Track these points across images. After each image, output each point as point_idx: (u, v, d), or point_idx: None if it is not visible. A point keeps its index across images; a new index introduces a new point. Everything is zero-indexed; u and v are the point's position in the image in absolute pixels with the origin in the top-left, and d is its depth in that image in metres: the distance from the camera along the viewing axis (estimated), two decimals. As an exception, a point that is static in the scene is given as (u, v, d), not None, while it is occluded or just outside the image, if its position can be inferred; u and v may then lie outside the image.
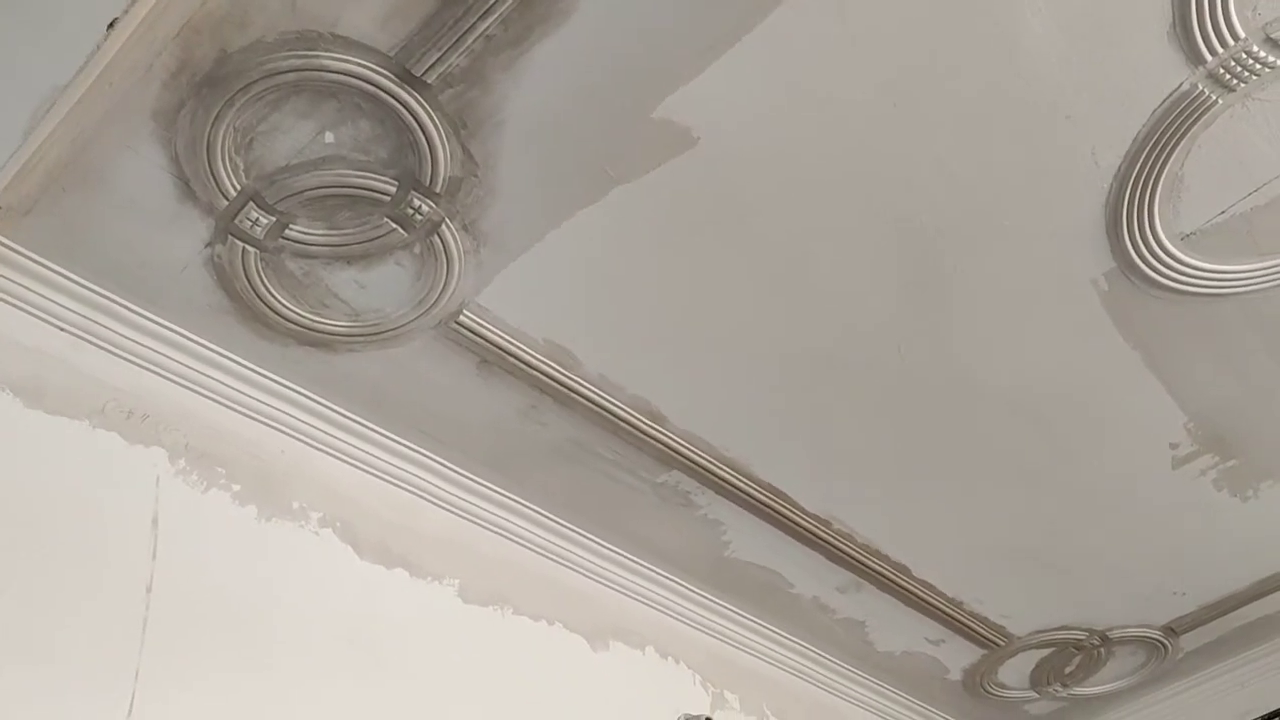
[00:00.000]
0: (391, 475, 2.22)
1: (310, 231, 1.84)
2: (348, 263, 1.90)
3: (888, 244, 1.99)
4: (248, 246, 1.85)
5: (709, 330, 2.10)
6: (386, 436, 2.20)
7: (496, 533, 2.37)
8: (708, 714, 2.56)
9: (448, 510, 2.30)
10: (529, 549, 2.41)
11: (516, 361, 2.08)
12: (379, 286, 1.94)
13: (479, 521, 2.35)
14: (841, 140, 1.82)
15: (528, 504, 2.40)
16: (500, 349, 2.06)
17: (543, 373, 2.11)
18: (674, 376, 2.19)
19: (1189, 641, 3.27)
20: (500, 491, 2.36)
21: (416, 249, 1.89)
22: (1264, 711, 3.31)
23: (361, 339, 2.02)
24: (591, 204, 1.86)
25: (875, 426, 2.37)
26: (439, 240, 1.87)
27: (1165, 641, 3.24)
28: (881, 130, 1.81)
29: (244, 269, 1.88)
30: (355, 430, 2.16)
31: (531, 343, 2.07)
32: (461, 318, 2.01)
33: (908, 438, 2.42)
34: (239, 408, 2.03)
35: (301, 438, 2.11)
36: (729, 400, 2.26)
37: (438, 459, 2.28)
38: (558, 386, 2.14)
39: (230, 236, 1.82)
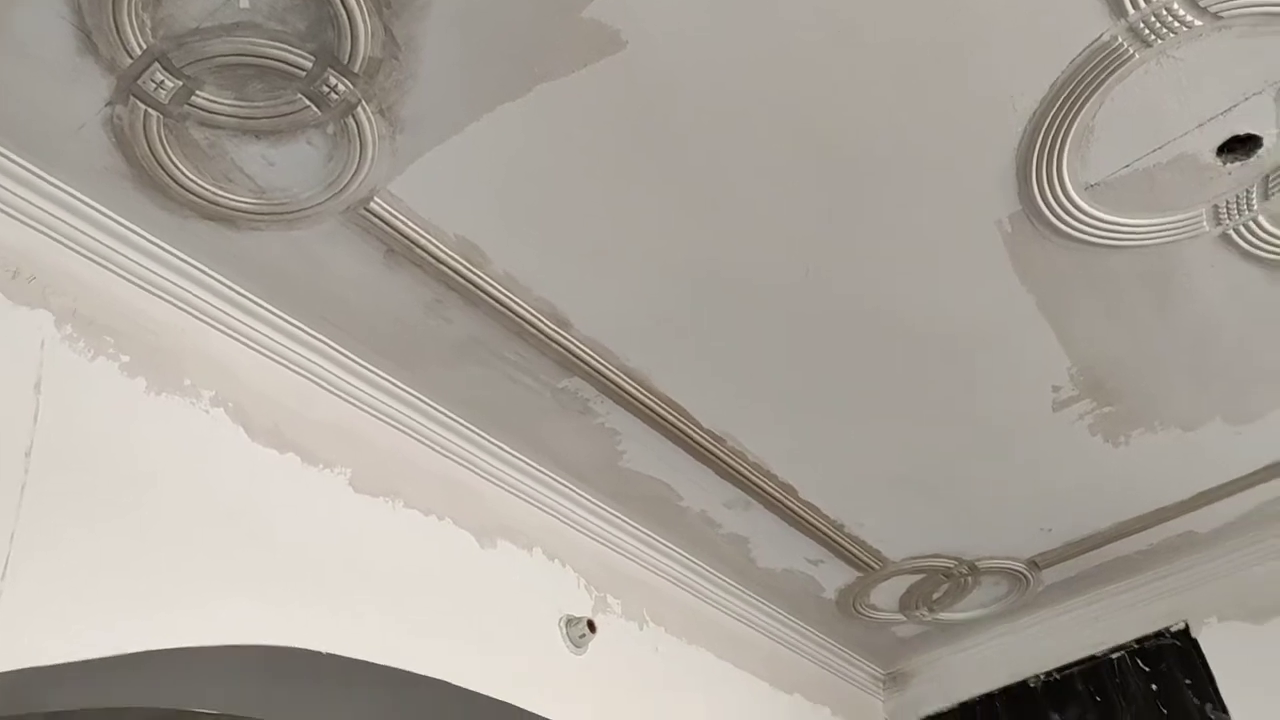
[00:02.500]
0: (288, 360, 2.19)
1: (218, 100, 1.78)
2: (256, 137, 1.84)
3: (809, 169, 2.01)
4: (150, 110, 1.77)
5: (622, 240, 2.11)
6: (286, 320, 2.16)
7: (392, 425, 2.36)
8: (589, 616, 2.62)
9: (344, 399, 2.28)
10: (424, 444, 2.41)
11: (424, 254, 2.06)
12: (288, 165, 1.89)
13: (375, 413, 2.34)
14: (772, 61, 1.82)
15: (425, 399, 2.39)
16: (409, 240, 2.03)
17: (450, 268, 2.09)
18: (583, 283, 2.19)
19: (1050, 575, 3.46)
20: (398, 385, 2.35)
21: (330, 129, 1.84)
22: (1113, 644, 3.53)
23: (266, 217, 1.97)
24: (513, 99, 1.83)
25: (777, 349, 2.42)
26: (354, 122, 1.83)
27: (1028, 574, 3.41)
28: (814, 55, 1.81)
29: (145, 133, 1.81)
30: (253, 311, 2.12)
31: (441, 236, 2.05)
32: (372, 205, 1.97)
33: (807, 362, 2.47)
34: (132, 277, 1.97)
35: (197, 314, 2.06)
36: (636, 311, 2.27)
37: (337, 347, 2.26)
38: (464, 283, 2.12)
39: (132, 98, 1.75)
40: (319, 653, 1.96)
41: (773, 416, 2.62)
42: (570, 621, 2.58)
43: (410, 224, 2.01)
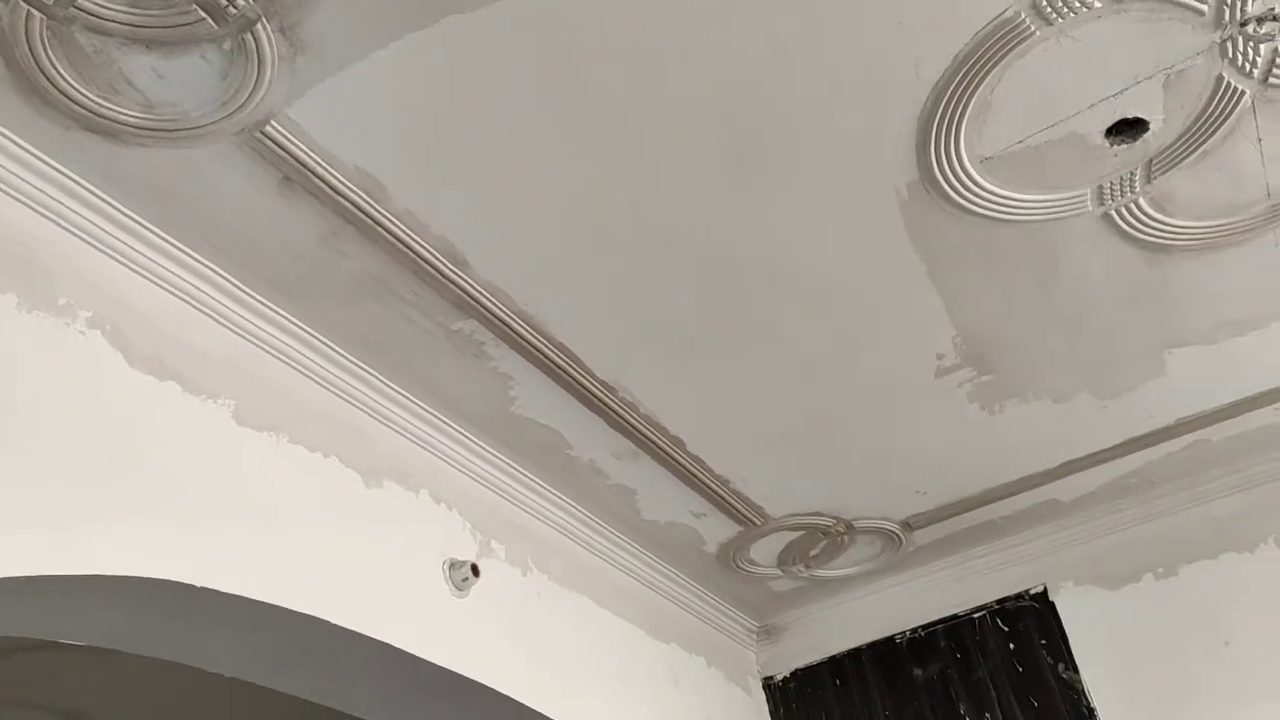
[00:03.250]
0: (173, 285, 2.11)
1: (108, 6, 1.68)
2: (147, 47, 1.75)
3: (715, 120, 2.01)
4: (33, 10, 1.67)
5: (525, 182, 2.08)
6: (172, 243, 2.08)
7: (280, 359, 2.30)
8: (473, 560, 2.61)
9: (230, 329, 2.21)
10: (312, 379, 2.36)
11: (321, 184, 2.00)
12: (180, 79, 1.80)
13: (262, 345, 2.27)
14: (683, 10, 1.81)
15: (316, 334, 2.34)
16: (306, 168, 1.97)
17: (348, 200, 2.04)
18: (484, 224, 2.16)
19: (921, 537, 3.59)
20: (288, 317, 2.29)
21: (226, 45, 1.76)
22: (975, 605, 3.69)
23: (154, 133, 1.89)
24: (422, 29, 1.79)
25: (675, 302, 2.44)
26: (252, 39, 1.76)
27: (901, 535, 3.53)
28: (725, 4, 1.81)
29: (26, 34, 1.71)
30: (137, 232, 2.03)
31: (340, 166, 1.99)
32: (268, 128, 1.91)
33: (704, 317, 2.49)
34: (5, 186, 1.86)
35: (76, 231, 1.96)
36: (536, 256, 2.25)
37: (225, 274, 2.18)
38: (362, 216, 2.07)
39: (13, -5, 1.65)
40: (194, 586, 1.91)
41: (666, 370, 2.64)
42: (453, 565, 2.57)
43: (308, 151, 1.95)
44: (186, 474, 1.99)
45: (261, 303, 2.24)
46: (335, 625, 2.19)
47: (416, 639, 2.36)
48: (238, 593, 1.97)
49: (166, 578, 1.86)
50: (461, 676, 2.46)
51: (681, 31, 1.85)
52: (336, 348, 2.38)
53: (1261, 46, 2.01)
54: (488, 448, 2.79)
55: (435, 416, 2.63)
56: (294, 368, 2.32)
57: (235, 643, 2.16)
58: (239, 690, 2.49)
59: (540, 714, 2.65)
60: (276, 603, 2.06)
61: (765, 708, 3.91)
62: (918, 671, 3.71)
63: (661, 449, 2.90)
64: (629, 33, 1.84)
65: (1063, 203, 2.31)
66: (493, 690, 2.52)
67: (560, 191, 2.10)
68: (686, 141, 2.05)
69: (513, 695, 2.57)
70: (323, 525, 2.26)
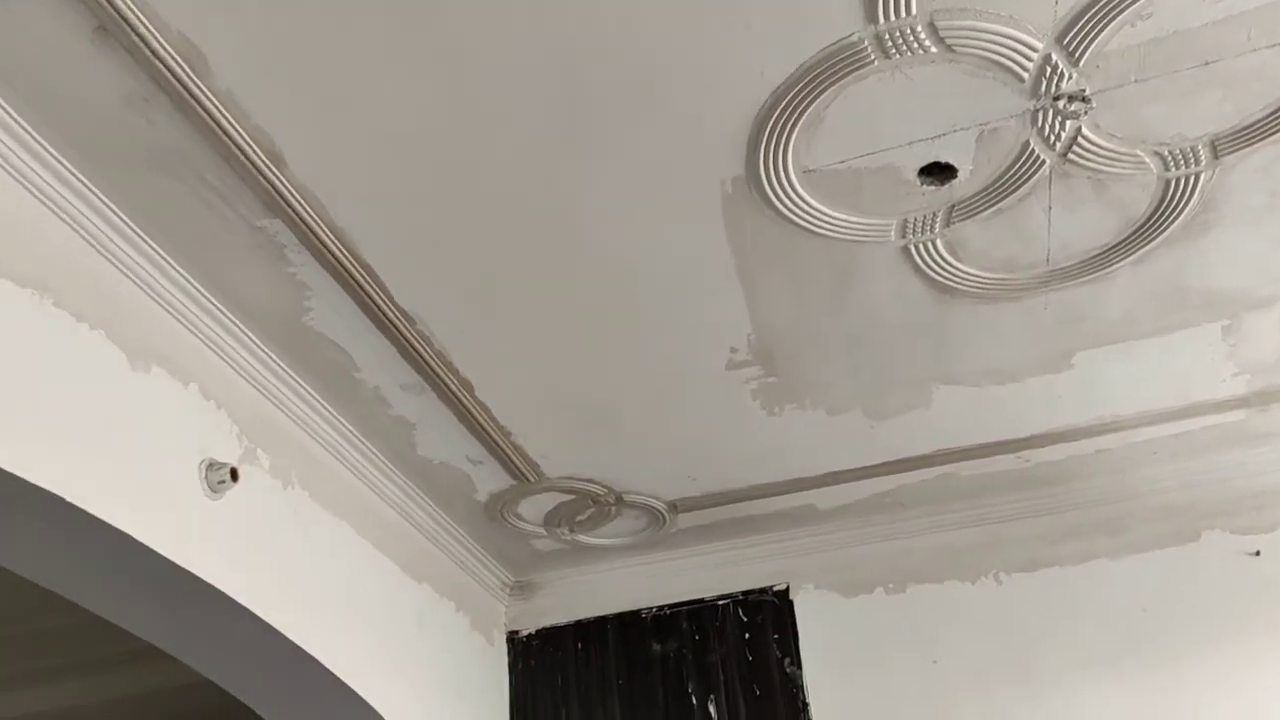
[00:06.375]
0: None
1: None
2: None
3: (554, 84, 2.02)
4: None
5: (356, 93, 2.02)
6: (-40, 71, 1.92)
7: (60, 217, 2.15)
8: (234, 464, 2.53)
9: (12, 176, 2.06)
10: (91, 245, 2.22)
11: (140, 42, 1.88)
12: (1, -103, 1.67)
13: (44, 199, 2.12)
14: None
15: (104, 199, 2.20)
16: (125, 20, 1.84)
17: (166, 65, 1.93)
18: (310, 126, 2.09)
19: (684, 520, 3.71)
20: (79, 177, 2.14)
21: (60, -128, 1.64)
22: (721, 592, 3.85)
23: (-39, -50, 1.74)
24: (278, -92, 1.72)
25: (485, 248, 2.43)
26: (91, -126, 1.64)
27: (666, 514, 3.64)
28: (590, -39, 1.82)
29: None
30: (-78, 49, 1.87)
31: (163, 29, 1.88)
32: (90, -31, 1.79)
33: (512, 268, 2.50)
34: None
35: None
36: (358, 172, 2.20)
37: (19, 120, 2.02)
38: (179, 87, 1.96)
39: None
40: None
41: (467, 312, 2.64)
42: (212, 465, 2.49)
43: (130, 3, 1.83)
44: (-69, 317, 1.85)
45: (52, 155, 2.09)
46: (74, 506, 2.09)
47: (160, 534, 2.28)
48: (-32, 454, 1.86)
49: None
50: (201, 580, 2.39)
51: (542, -21, 1.84)
52: (125, 218, 2.25)
53: (1068, 123, 2.18)
54: (271, 354, 2.71)
55: (221, 311, 2.53)
56: (75, 229, 2.18)
57: (-45, 505, 2.03)
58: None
59: (278, 632, 2.61)
60: (13, 471, 1.95)
61: (505, 660, 3.97)
62: (656, 646, 3.84)
63: (449, 389, 2.89)
64: (491, -34, 1.82)
65: (869, 228, 2.43)
66: (232, 600, 2.46)
67: (390, 110, 2.06)
68: (527, 102, 2.04)
69: (251, 608, 2.52)
70: (77, 401, 2.14)
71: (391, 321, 2.61)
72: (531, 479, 3.40)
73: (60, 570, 2.37)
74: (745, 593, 3.83)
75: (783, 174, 2.27)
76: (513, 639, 4.02)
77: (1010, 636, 3.53)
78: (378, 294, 2.52)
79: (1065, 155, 2.26)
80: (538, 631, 4.00)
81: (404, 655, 3.28)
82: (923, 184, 2.31)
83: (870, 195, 2.34)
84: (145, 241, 2.32)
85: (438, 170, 2.21)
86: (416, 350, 2.73)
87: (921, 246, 2.50)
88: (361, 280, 2.47)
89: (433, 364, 2.79)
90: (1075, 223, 2.46)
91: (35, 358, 2.06)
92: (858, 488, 3.57)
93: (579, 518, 3.67)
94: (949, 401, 3.11)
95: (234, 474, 2.50)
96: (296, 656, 2.72)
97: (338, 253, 2.39)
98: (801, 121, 2.14)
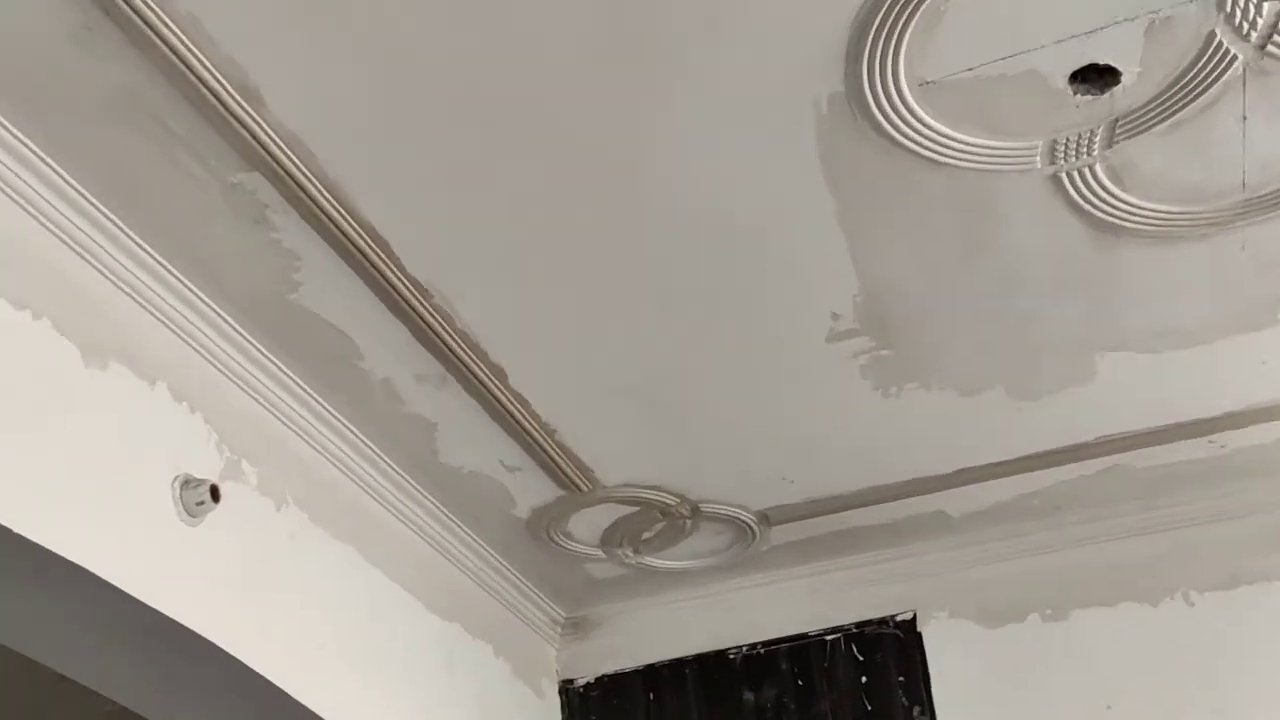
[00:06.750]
0: None
1: None
2: None
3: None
4: None
5: (356, 19, 2.02)
6: None
7: (-9, 183, 2.21)
8: (214, 481, 2.58)
9: (-74, 133, 2.12)
10: (31, 215, 2.26)
11: (80, -41, 1.92)
12: None
13: (-31, 161, 2.18)
14: None
15: (44, 156, 2.23)
16: (61, -66, 1.88)
17: (114, -14, 1.96)
18: (293, 55, 2.10)
19: (780, 534, 3.72)
20: (12, 130, 2.18)
21: None
22: (829, 625, 3.85)
23: None
24: None
25: (518, 200, 2.44)
26: None
27: (756, 528, 3.65)
28: None
29: None
30: None
31: (107, -64, 1.91)
32: None
33: (553, 221, 2.51)
34: None
35: None
36: (355, 109, 2.21)
37: (-72, 59, 2.07)
38: (127, 10, 1.98)
39: None
40: None
41: (498, 279, 2.66)
42: (188, 483, 2.54)
43: (65, -94, 1.87)
44: None
45: (-20, 106, 2.15)
46: (19, 537, 2.14)
47: (125, 570, 2.33)
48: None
49: None
50: (179, 625, 2.44)
51: None
52: (71, 179, 2.29)
53: (1265, 6, 2.13)
54: (255, 342, 2.75)
55: (191, 291, 2.57)
56: (10, 197, 2.22)
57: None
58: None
59: (273, 685, 2.66)
60: (-57, 496, 2.01)
61: (557, 716, 4.01)
62: (749, 695, 3.86)
63: (476, 378, 2.91)
64: None
65: (1007, 153, 2.40)
66: (216, 647, 2.51)
67: (393, 22, 2.05)
68: (572, 19, 2.04)
69: (240, 657, 2.57)
70: (19, 406, 2.20)
71: (402, 295, 2.63)
72: (584, 488, 3.41)
73: (5, 618, 2.43)
74: (860, 624, 3.82)
75: (893, 88, 2.24)
76: (567, 690, 4.05)
77: (1205, 673, 3.48)
78: (384, 261, 2.54)
79: (1264, 47, 2.21)
80: (598, 680, 4.03)
81: (430, 712, 3.32)
82: (1076, 93, 2.27)
83: (1008, 111, 2.31)
84: (96, 208, 2.36)
85: (457, 101, 2.21)
86: (434, 330, 2.75)
87: (1076, 174, 2.46)
88: (362, 244, 2.49)
89: (455, 347, 2.81)
90: (1279, 136, 2.41)
91: (-32, 356, 2.12)
92: (999, 488, 3.55)
93: (645, 535, 3.68)
94: (1116, 373, 3.07)
95: (214, 493, 2.55)
96: (297, 714, 2.77)
97: (332, 211, 2.41)
98: (915, 20, 2.11)
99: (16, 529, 2.12)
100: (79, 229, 2.36)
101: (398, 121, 2.25)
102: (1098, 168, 2.46)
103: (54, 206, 2.30)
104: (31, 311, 2.26)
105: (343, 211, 2.42)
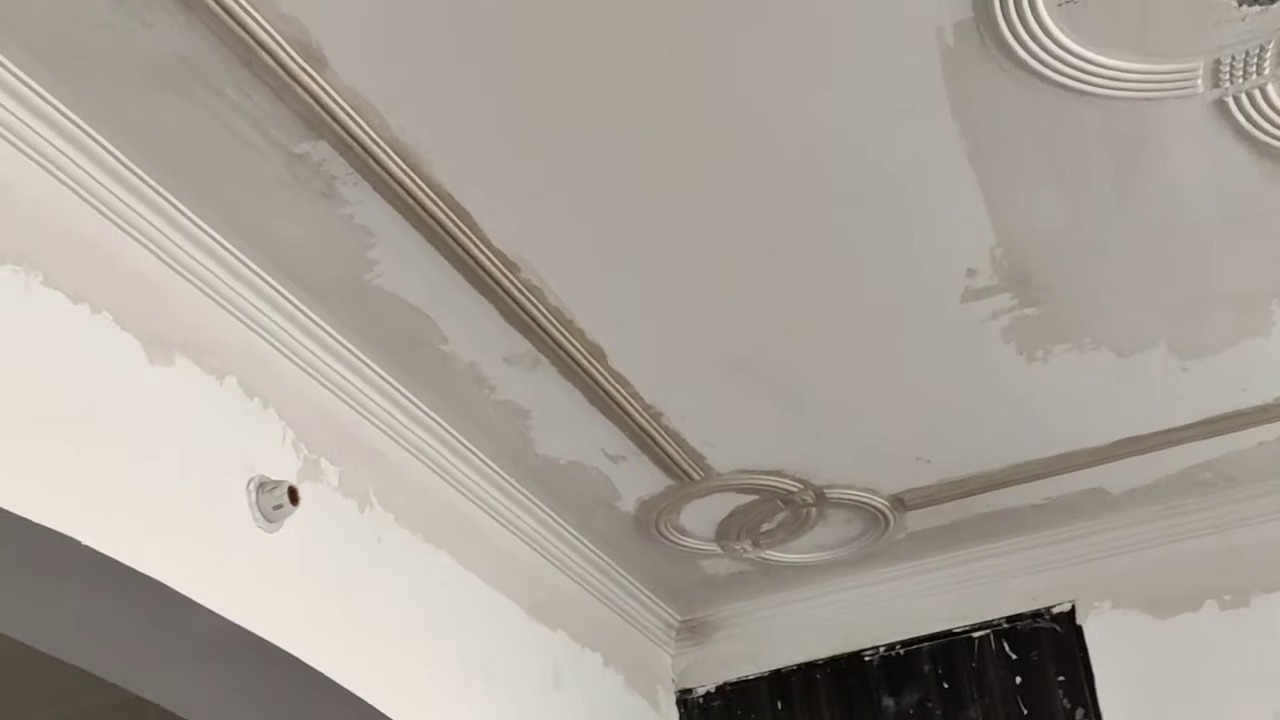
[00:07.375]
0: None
1: None
2: None
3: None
4: None
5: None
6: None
7: (43, 166, 2.23)
8: (292, 483, 2.61)
9: (-26, 114, 2.16)
10: (85, 200, 2.30)
11: (123, -85, 1.94)
12: None
13: (20, 144, 2.19)
14: None
15: (95, 134, 2.27)
16: (104, -110, 1.90)
17: (160, -57, 1.98)
18: (356, 10, 2.11)
19: (916, 521, 3.68)
20: (59, 107, 2.22)
21: None
22: (977, 620, 3.80)
23: None
24: None
25: (614, 160, 2.43)
26: None
27: (890, 514, 3.61)
28: None
29: None
30: None
31: (152, -107, 1.93)
32: None
33: (650, 185, 2.50)
34: None
35: None
36: (427, 67, 2.22)
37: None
38: (176, -30, 2.01)
39: None
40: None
41: (594, 248, 2.66)
42: (264, 485, 2.57)
43: None
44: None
45: (23, 81, 2.18)
46: (89, 549, 2.18)
47: (201, 580, 2.37)
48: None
49: None
50: (259, 638, 2.48)
51: None
52: (124, 158, 2.32)
53: None
54: (329, 328, 2.77)
55: (258, 275, 2.60)
56: (60, 178, 2.25)
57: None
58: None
59: (360, 699, 2.69)
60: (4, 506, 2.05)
61: (676, 728, 4.02)
62: (888, 701, 3.83)
63: (572, 359, 2.92)
64: None
65: (1162, 77, 2.34)
66: (294, 659, 2.54)
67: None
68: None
69: (325, 671, 2.60)
70: (81, 408, 2.23)
71: (487, 270, 2.64)
72: (695, 476, 3.41)
73: (66, 631, 2.48)
74: (1011, 619, 3.77)
75: (1027, 10, 2.18)
76: (685, 700, 4.05)
77: None
78: (467, 235, 2.55)
79: None
80: (719, 688, 4.03)
81: (540, 727, 3.35)
82: (1242, 4, 2.20)
83: (1161, 28, 2.24)
84: (151, 186, 2.38)
85: (543, 61, 2.21)
86: (523, 308, 2.75)
87: (1244, 97, 2.39)
88: (442, 216, 2.50)
89: (547, 326, 2.82)
90: None
91: (22, 353, 2.15)
92: (1165, 459, 3.49)
93: (765, 527, 3.67)
94: (1298, 324, 3.00)
95: (293, 495, 2.58)
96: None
97: (406, 181, 2.42)
98: (1051, -71, 2.07)
99: (81, 539, 2.16)
100: (135, 211, 2.39)
101: (475, 79, 2.25)
102: (1269, 89, 2.38)
103: (107, 188, 2.33)
104: (90, 305, 2.30)
105: (417, 180, 2.42)
